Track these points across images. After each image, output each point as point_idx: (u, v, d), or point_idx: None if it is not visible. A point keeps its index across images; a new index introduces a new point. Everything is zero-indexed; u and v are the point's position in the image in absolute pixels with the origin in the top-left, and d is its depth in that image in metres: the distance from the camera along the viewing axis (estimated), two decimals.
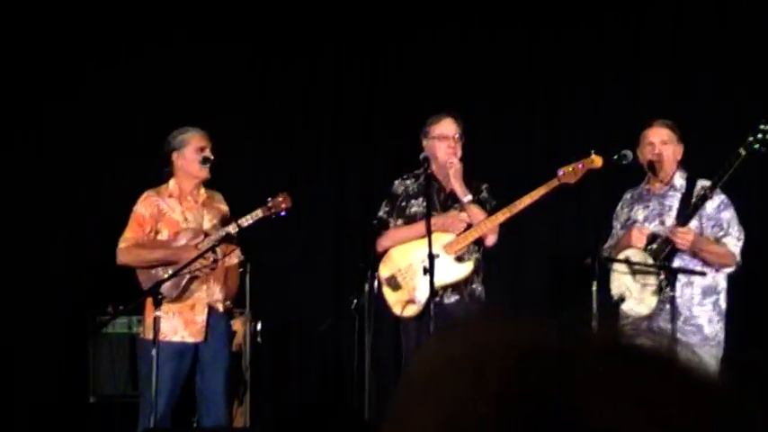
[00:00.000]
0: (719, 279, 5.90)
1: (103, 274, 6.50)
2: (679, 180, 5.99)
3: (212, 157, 6.21)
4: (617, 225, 6.17)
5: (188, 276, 6.08)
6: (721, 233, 5.85)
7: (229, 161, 6.74)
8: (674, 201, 5.94)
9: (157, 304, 5.85)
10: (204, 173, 6.22)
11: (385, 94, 8.23)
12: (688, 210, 5.75)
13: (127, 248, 6.21)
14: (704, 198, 5.69)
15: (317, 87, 8.20)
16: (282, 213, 6.16)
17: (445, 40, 8.14)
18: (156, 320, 5.84)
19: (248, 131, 8.12)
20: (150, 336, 5.90)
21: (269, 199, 6.15)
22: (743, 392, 0.79)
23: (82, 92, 7.95)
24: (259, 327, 6.94)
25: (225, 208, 6.38)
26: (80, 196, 7.80)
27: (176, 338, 6.07)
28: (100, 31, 7.98)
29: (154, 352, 5.80)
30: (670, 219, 5.89)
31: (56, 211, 7.77)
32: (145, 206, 6.26)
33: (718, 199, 5.83)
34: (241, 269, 6.16)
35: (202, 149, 6.20)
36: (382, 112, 8.22)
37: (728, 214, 5.87)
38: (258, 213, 6.09)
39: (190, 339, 6.12)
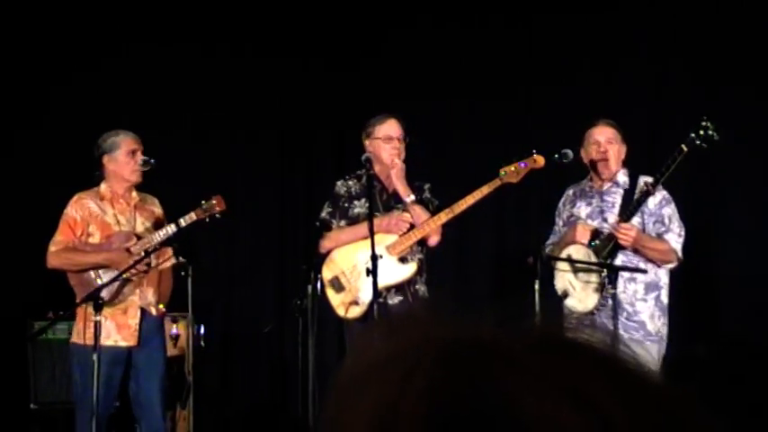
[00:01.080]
0: (661, 275, 5.95)
1: (42, 278, 6.40)
2: (622, 177, 6.03)
3: (152, 161, 6.14)
4: (559, 222, 6.21)
5: (120, 280, 6.01)
6: (663, 229, 5.90)
7: (172, 163, 6.68)
8: (616, 197, 5.98)
9: (97, 309, 5.78)
10: (136, 176, 6.15)
11: (326, 95, 8.22)
12: (630, 206, 5.79)
13: (57, 252, 6.13)
14: (647, 194, 5.73)
15: (261, 88, 8.16)
16: (217, 216, 6.11)
17: (390, 43, 8.14)
18: (97, 325, 5.78)
19: (191, 132, 8.07)
20: (81, 341, 5.87)
21: (203, 201, 6.11)
22: (680, 387, 0.79)
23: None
24: (202, 330, 6.90)
25: (159, 211, 6.33)
26: (20, 198, 7.70)
27: (109, 342, 5.96)
28: (87, 32, 7.91)
29: (95, 357, 5.74)
30: (612, 215, 5.93)
31: None
32: (75, 209, 6.18)
33: (660, 195, 5.88)
34: (183, 273, 6.10)
35: (134, 153, 6.14)
36: (323, 113, 8.21)
37: (669, 210, 5.93)
38: (192, 216, 6.05)
39: (123, 343, 6.04)
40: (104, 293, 5.93)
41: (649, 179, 5.78)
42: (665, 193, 5.92)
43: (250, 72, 8.17)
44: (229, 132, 8.18)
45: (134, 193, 6.25)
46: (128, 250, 6.05)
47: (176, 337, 6.82)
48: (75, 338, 6.09)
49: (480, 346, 0.78)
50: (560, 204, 6.24)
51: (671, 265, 5.93)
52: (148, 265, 6.08)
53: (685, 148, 5.61)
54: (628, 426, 0.74)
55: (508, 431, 0.73)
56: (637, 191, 5.84)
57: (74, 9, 7.94)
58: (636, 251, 5.84)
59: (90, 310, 5.83)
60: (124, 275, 5.99)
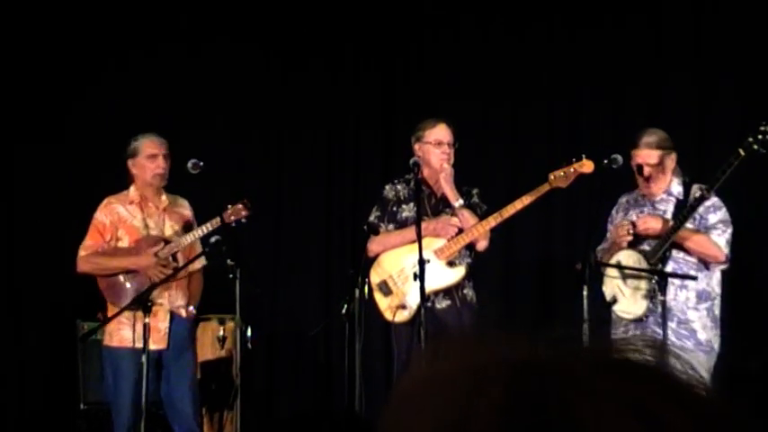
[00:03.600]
0: (714, 284, 5.85)
1: (92, 281, 6.47)
2: (676, 187, 5.92)
3: (201, 163, 6.09)
4: (611, 229, 6.14)
5: (149, 283, 6.05)
6: (703, 230, 5.80)
7: (218, 166, 6.70)
8: (668, 206, 5.89)
9: (146, 311, 5.82)
10: (158, 180, 6.20)
11: (373, 100, 8.21)
12: (684, 210, 5.68)
13: (86, 257, 6.21)
14: (702, 198, 5.61)
15: (306, 93, 8.17)
16: (243, 221, 6.13)
17: (436, 46, 8.12)
18: (146, 328, 5.81)
19: (238, 133, 8.09)
20: (113, 343, 6.04)
21: (228, 206, 6.14)
22: (736, 404, 0.78)
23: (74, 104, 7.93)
24: (249, 332, 6.92)
25: (188, 213, 6.37)
26: (70, 203, 7.75)
27: (139, 345, 5.97)
28: (106, 36, 7.95)
29: (143, 359, 5.79)
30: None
31: (44, 219, 7.73)
32: (104, 213, 6.25)
33: (710, 201, 5.78)
34: (231, 275, 6.12)
35: (154, 156, 6.18)
36: (371, 117, 8.20)
37: (717, 216, 5.82)
38: (217, 221, 6.08)
39: (153, 347, 6.03)
40: (133, 298, 5.95)
41: (703, 187, 5.68)
42: (715, 199, 5.80)
43: (298, 73, 8.18)
44: (276, 134, 8.19)
45: (164, 196, 6.30)
46: (155, 255, 6.11)
47: (223, 340, 6.84)
48: (107, 341, 6.18)
49: (546, 369, 0.78)
50: (613, 212, 6.16)
51: (721, 266, 5.82)
52: (175, 269, 6.12)
53: (743, 153, 5.46)
54: None
55: None
56: (691, 197, 5.74)
57: (104, 9, 7.98)
58: (680, 248, 5.73)
59: (126, 313, 5.91)
60: (151, 279, 6.04)
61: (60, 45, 7.90)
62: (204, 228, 6.12)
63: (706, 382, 0.81)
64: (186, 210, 6.36)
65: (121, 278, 6.14)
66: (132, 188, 6.26)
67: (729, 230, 5.80)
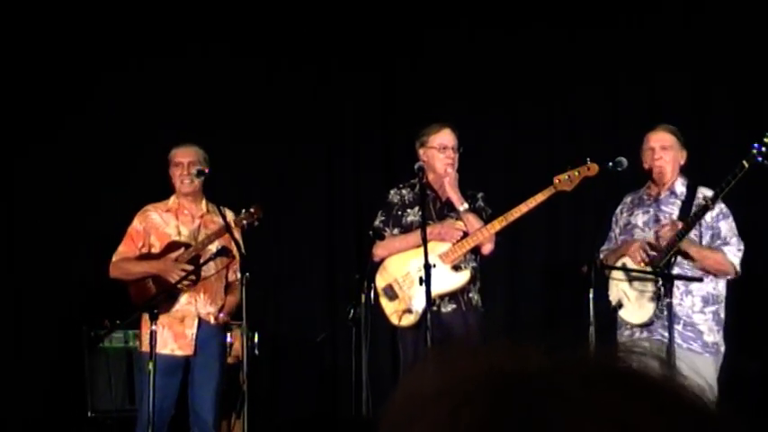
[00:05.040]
0: (720, 288, 5.86)
1: (99, 288, 6.49)
2: (680, 187, 5.94)
3: (206, 171, 6.22)
4: (615, 229, 6.14)
5: (173, 290, 6.12)
6: (719, 242, 5.81)
7: (219, 172, 6.72)
8: (673, 208, 5.90)
9: (153, 319, 5.87)
10: (184, 188, 6.30)
11: (372, 103, 8.22)
12: (688, 218, 5.69)
13: (116, 262, 6.31)
14: (705, 209, 5.62)
15: (307, 98, 8.18)
16: (255, 224, 6.20)
17: (435, 47, 8.13)
18: (153, 335, 5.86)
19: (238, 141, 8.09)
20: (145, 349, 6.00)
21: (243, 211, 6.21)
22: (737, 419, 0.78)
23: (88, 105, 7.93)
24: (256, 339, 6.94)
25: (219, 221, 6.37)
26: (75, 210, 7.77)
27: (166, 351, 6.09)
28: (112, 39, 7.96)
29: (150, 366, 5.82)
30: None
31: (51, 226, 7.74)
32: (140, 220, 6.36)
33: (718, 208, 5.76)
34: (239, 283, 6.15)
35: (179, 165, 6.29)
36: (372, 122, 8.21)
37: (727, 224, 5.82)
38: (232, 225, 6.12)
39: (179, 353, 6.16)
40: (160, 302, 6.01)
41: (708, 192, 5.67)
42: (722, 206, 5.80)
43: (297, 75, 8.18)
44: (277, 138, 8.19)
45: (202, 204, 6.38)
46: (175, 260, 6.17)
47: (230, 346, 6.85)
48: (139, 346, 6.29)
49: (531, 381, 0.78)
50: (617, 211, 6.17)
51: (728, 277, 5.85)
52: (197, 274, 6.14)
53: (746, 165, 5.47)
54: None
55: None
56: (695, 205, 5.74)
57: (108, 12, 7.99)
58: (688, 256, 5.74)
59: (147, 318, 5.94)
60: (176, 285, 6.09)
61: (61, 48, 7.91)
62: (213, 236, 6.18)
63: (707, 392, 0.80)
64: (220, 218, 6.30)
65: (149, 283, 6.20)
66: (173, 197, 6.39)
67: (743, 247, 5.81)
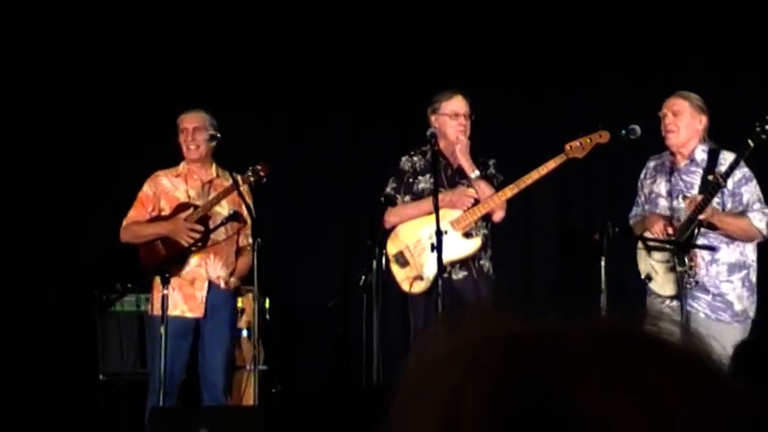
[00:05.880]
0: (748, 252, 5.82)
1: (111, 252, 6.52)
2: (700, 154, 5.86)
3: (218, 135, 6.26)
4: (641, 195, 6.09)
5: (184, 251, 6.18)
6: (741, 209, 5.77)
7: (232, 138, 6.71)
8: (695, 177, 5.82)
9: (165, 283, 5.89)
10: (191, 154, 6.35)
11: (389, 73, 8.19)
12: (702, 201, 5.62)
13: (126, 226, 6.37)
14: (717, 187, 5.61)
15: (325, 68, 8.15)
16: (263, 181, 6.21)
17: (450, 25, 8.08)
18: (164, 299, 5.89)
19: (254, 111, 8.07)
20: (156, 313, 6.03)
21: (249, 168, 6.22)
22: (752, 384, 0.77)
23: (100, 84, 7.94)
24: (267, 304, 6.95)
25: (228, 184, 6.38)
26: (88, 176, 7.78)
27: (176, 312, 6.12)
28: (123, 17, 7.95)
29: (162, 329, 5.85)
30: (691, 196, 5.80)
31: (63, 191, 7.75)
32: (150, 185, 6.42)
33: (740, 173, 5.72)
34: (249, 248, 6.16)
35: (184, 131, 6.34)
36: (388, 90, 8.17)
37: (750, 188, 5.78)
38: (240, 182, 6.12)
39: (189, 314, 6.19)
40: (170, 264, 6.06)
41: (731, 156, 5.64)
42: (745, 170, 5.76)
43: (317, 45, 8.16)
44: (293, 108, 8.17)
45: (212, 169, 6.42)
46: (184, 220, 6.21)
47: (241, 311, 6.87)
48: (149, 310, 6.33)
49: (543, 342, 0.77)
50: (642, 176, 6.10)
51: (755, 241, 5.83)
52: (206, 234, 6.16)
53: (751, 144, 5.53)
54: (693, 424, 0.73)
55: (571, 429, 0.72)
56: (710, 176, 5.69)
57: None
58: (712, 227, 5.70)
59: (159, 282, 5.97)
60: (186, 246, 6.14)
61: (63, 36, 7.90)
62: (222, 194, 6.21)
63: (720, 360, 0.79)
64: (229, 181, 6.29)
65: (159, 246, 6.24)
66: (183, 162, 6.45)
67: (767, 210, 5.79)
